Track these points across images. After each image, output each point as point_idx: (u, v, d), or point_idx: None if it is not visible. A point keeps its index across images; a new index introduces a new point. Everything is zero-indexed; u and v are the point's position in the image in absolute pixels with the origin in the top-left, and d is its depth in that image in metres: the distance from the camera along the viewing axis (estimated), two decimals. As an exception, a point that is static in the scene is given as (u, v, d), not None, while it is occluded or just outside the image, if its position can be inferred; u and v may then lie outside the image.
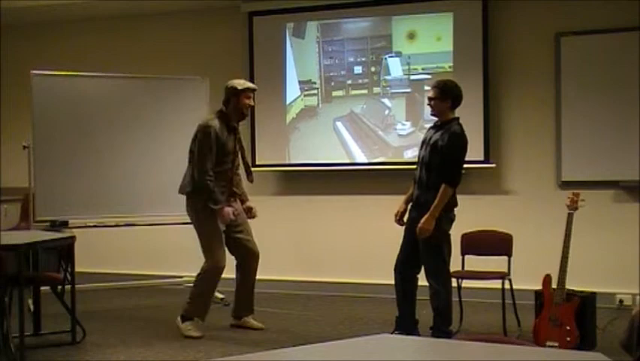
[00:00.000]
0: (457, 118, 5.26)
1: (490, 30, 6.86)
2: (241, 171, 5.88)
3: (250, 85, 5.71)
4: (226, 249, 5.72)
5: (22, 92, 7.21)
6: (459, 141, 5.14)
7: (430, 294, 5.18)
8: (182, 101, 6.98)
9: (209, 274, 5.62)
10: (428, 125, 7.01)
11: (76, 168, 6.73)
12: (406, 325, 5.28)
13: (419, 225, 5.04)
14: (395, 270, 5.33)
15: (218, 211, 5.51)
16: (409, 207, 5.34)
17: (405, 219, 5.35)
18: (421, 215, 5.09)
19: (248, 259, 5.79)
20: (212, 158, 5.49)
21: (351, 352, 2.44)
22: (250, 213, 5.82)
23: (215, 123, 5.54)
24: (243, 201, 5.84)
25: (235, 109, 5.63)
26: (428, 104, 5.32)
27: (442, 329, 5.15)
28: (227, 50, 7.75)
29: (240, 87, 5.61)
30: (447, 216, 5.16)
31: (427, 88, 7.05)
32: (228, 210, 5.55)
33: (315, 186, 7.48)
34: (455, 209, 5.24)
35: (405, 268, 5.28)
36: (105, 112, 6.86)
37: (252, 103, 5.70)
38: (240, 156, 5.74)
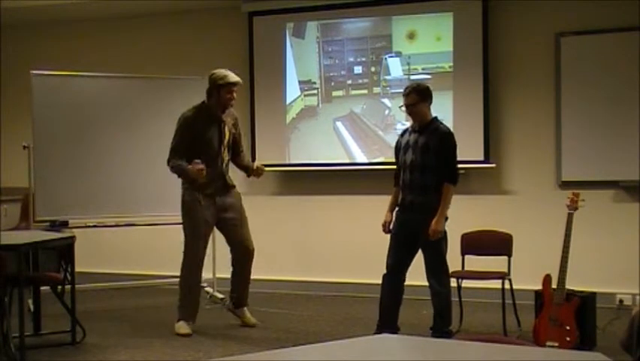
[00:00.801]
0: (436, 117, 5.27)
1: (490, 30, 6.86)
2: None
3: (231, 80, 5.65)
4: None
5: (22, 92, 7.22)
6: (453, 140, 5.20)
7: (432, 294, 5.18)
8: (182, 101, 6.94)
9: (188, 270, 5.75)
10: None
11: (76, 168, 6.73)
12: (391, 331, 5.26)
13: (432, 227, 5.02)
14: (388, 275, 5.28)
15: (189, 171, 5.53)
16: (397, 211, 5.31)
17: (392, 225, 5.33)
18: (420, 217, 5.08)
19: (240, 254, 5.84)
20: (182, 145, 5.61)
21: (351, 352, 2.44)
22: (258, 171, 5.91)
23: (190, 114, 5.66)
24: (249, 170, 5.96)
25: (217, 101, 5.69)
26: (408, 113, 5.28)
27: (442, 329, 5.15)
28: (227, 50, 7.75)
29: (221, 82, 5.63)
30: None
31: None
32: (194, 165, 5.50)
33: (315, 186, 7.48)
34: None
35: (397, 272, 5.25)
36: (105, 112, 6.86)
37: (232, 97, 5.68)
38: (228, 147, 5.79)
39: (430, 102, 5.26)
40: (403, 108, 5.27)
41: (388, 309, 5.30)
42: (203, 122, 5.65)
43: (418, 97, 5.18)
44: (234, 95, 5.70)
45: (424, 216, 5.07)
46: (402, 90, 7.10)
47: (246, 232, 5.85)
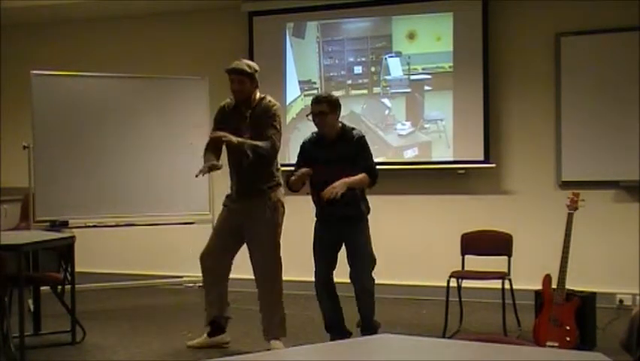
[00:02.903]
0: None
1: (490, 30, 6.86)
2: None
3: (228, 68, 5.15)
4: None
5: (22, 92, 7.22)
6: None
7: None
8: (182, 101, 6.97)
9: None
10: (428, 125, 7.07)
11: (77, 168, 6.73)
12: (345, 332, 5.25)
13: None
14: (318, 282, 5.22)
15: (211, 138, 5.09)
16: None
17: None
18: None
19: (256, 279, 5.28)
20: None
21: (351, 352, 2.44)
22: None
23: (227, 102, 5.29)
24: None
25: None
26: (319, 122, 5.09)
27: (375, 327, 5.10)
28: (227, 50, 7.74)
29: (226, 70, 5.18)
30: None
31: (427, 88, 7.07)
32: (213, 133, 5.07)
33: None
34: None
35: (328, 277, 5.23)
36: (105, 112, 6.86)
37: (234, 87, 5.12)
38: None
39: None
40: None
41: (335, 313, 5.25)
42: (232, 113, 5.21)
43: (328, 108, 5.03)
44: (238, 84, 5.10)
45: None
46: (401, 90, 7.16)
47: (260, 255, 5.18)
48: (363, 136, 5.14)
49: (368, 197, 5.19)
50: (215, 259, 5.26)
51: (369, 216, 5.15)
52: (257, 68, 5.20)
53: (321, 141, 5.14)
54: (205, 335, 5.32)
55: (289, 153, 7.50)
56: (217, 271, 5.28)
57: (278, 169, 5.29)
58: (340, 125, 5.12)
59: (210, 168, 5.00)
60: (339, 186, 4.82)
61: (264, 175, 5.16)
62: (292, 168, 5.02)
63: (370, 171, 5.03)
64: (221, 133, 5.01)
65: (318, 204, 5.11)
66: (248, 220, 5.17)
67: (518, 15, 6.89)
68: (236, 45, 7.68)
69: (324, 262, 5.15)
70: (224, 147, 5.16)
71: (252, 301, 5.37)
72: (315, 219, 5.21)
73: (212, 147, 5.16)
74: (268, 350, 4.94)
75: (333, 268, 5.19)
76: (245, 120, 5.16)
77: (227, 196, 5.32)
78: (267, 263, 5.18)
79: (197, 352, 5.19)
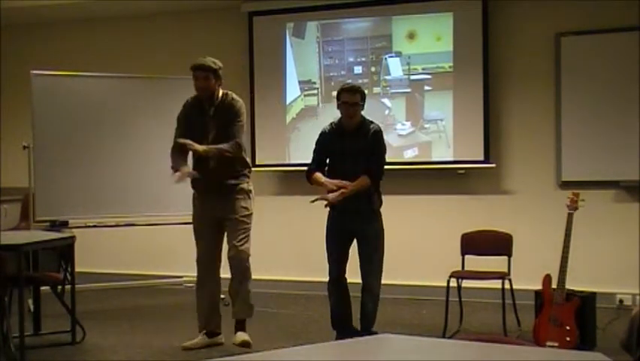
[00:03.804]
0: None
1: (490, 30, 6.86)
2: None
3: (194, 64, 5.20)
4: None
5: (22, 92, 7.22)
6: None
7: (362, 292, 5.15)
8: (182, 101, 6.95)
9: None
10: (428, 125, 7.07)
11: (76, 168, 6.73)
12: (351, 330, 5.24)
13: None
14: (330, 279, 5.22)
15: (176, 143, 5.19)
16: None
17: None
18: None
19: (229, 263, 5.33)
20: (178, 132, 5.31)
21: (351, 352, 2.44)
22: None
23: (188, 102, 5.37)
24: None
25: None
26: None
27: (371, 331, 5.08)
28: (227, 50, 7.73)
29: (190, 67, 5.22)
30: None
31: (427, 88, 7.08)
32: (177, 173, 5.12)
33: (315, 186, 7.46)
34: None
35: (340, 275, 5.23)
36: (105, 112, 6.86)
37: (199, 84, 5.17)
38: (217, 140, 5.20)
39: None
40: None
41: (344, 310, 5.27)
42: (195, 110, 5.30)
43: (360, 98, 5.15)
44: (203, 80, 5.15)
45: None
46: (401, 90, 7.16)
47: (234, 240, 5.24)
48: (380, 130, 5.19)
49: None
50: (209, 260, 5.34)
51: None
52: (221, 64, 5.25)
53: (340, 132, 5.20)
54: (201, 335, 5.34)
55: (289, 153, 7.51)
56: (211, 270, 5.35)
57: (247, 163, 5.40)
58: (361, 117, 5.20)
59: (189, 175, 5.18)
60: (333, 198, 4.98)
61: (232, 171, 5.27)
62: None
63: (375, 170, 5.08)
64: (187, 141, 5.12)
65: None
66: (225, 213, 5.25)
67: (518, 15, 6.89)
68: (237, 45, 7.68)
69: (334, 256, 5.19)
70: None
71: (253, 301, 5.36)
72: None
73: (178, 150, 5.25)
74: (240, 347, 4.90)
75: (345, 262, 5.20)
76: (209, 117, 5.26)
77: (197, 195, 5.37)
78: (243, 254, 5.24)
79: (197, 352, 5.19)
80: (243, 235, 5.26)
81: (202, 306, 5.37)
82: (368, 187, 5.05)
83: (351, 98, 5.11)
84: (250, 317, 5.36)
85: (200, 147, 5.12)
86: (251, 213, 5.33)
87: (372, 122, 5.23)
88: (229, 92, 5.33)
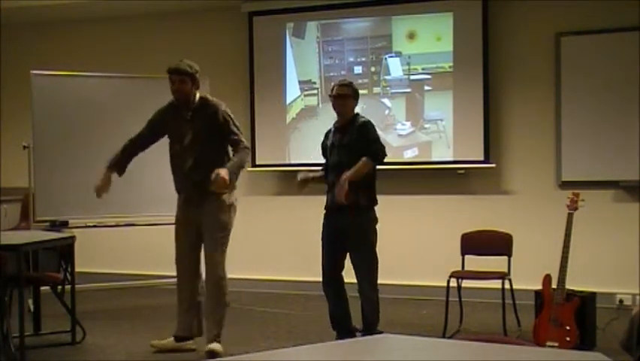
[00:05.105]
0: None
1: (490, 30, 6.86)
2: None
3: (170, 67, 5.09)
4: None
5: (22, 92, 7.21)
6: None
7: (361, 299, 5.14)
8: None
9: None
10: (428, 125, 7.07)
11: (77, 168, 6.71)
12: (351, 330, 5.24)
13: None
14: (324, 279, 5.21)
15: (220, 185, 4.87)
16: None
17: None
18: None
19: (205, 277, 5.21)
20: (143, 132, 5.31)
21: (351, 352, 2.44)
22: (216, 182, 4.85)
23: (165, 106, 5.27)
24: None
25: None
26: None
27: (374, 332, 5.05)
28: (227, 50, 7.75)
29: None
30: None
31: (427, 88, 7.08)
32: (97, 183, 5.18)
33: (315, 186, 7.45)
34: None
35: (335, 275, 5.22)
36: (105, 112, 6.85)
37: (175, 88, 5.07)
38: (196, 146, 5.08)
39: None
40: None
41: (343, 311, 5.26)
42: (172, 114, 5.20)
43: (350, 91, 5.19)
44: (179, 84, 5.05)
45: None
46: (401, 90, 7.16)
47: (208, 250, 5.10)
48: (367, 121, 5.18)
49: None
50: (187, 263, 5.25)
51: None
52: (197, 68, 5.15)
53: (335, 129, 5.26)
54: (171, 338, 5.26)
55: (289, 153, 7.51)
56: (188, 272, 5.26)
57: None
58: (354, 114, 5.22)
59: (104, 190, 5.27)
60: (341, 187, 4.91)
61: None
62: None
63: (374, 151, 5.04)
64: (226, 178, 4.81)
65: (329, 192, 5.18)
66: (203, 225, 5.11)
67: (518, 15, 6.89)
68: (237, 45, 7.68)
69: (327, 255, 5.18)
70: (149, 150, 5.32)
71: (252, 301, 5.37)
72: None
73: (129, 151, 5.33)
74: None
75: (338, 262, 5.18)
76: (185, 121, 5.14)
77: (181, 203, 5.26)
78: (216, 276, 5.10)
79: (197, 352, 5.19)
80: (220, 251, 5.10)
81: (179, 307, 5.29)
82: (365, 171, 4.98)
83: (338, 90, 5.18)
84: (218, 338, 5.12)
85: (225, 173, 4.83)
86: (229, 228, 5.13)
87: (363, 117, 5.25)
88: (206, 95, 5.22)
